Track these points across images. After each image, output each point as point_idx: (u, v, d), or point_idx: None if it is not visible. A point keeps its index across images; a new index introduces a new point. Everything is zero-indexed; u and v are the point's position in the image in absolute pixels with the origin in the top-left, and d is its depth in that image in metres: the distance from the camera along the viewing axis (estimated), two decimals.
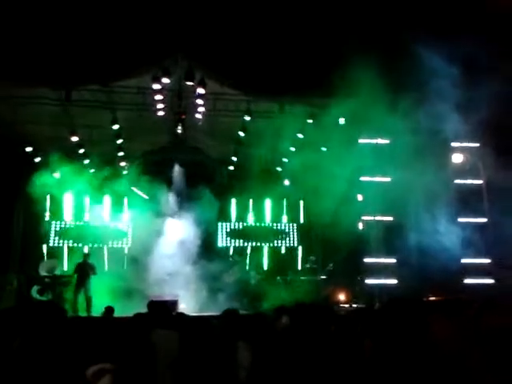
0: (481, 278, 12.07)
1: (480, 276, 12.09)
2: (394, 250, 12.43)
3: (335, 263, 14.24)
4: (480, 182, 12.78)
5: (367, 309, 4.47)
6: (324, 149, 12.83)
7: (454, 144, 12.77)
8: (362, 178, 12.51)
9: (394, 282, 12.41)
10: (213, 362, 2.99)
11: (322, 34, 9.90)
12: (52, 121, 11.75)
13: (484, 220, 12.64)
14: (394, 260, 12.68)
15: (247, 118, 12.28)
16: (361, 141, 12.23)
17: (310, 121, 12.06)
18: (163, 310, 5.41)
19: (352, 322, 4.07)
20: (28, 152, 13.04)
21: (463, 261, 12.09)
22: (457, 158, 12.94)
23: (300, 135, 12.77)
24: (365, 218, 12.88)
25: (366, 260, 12.77)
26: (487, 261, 12.36)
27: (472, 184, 12.79)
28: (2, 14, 9.28)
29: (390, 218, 12.59)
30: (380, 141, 12.12)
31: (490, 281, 12.12)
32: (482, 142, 12.49)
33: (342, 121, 11.72)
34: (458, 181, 12.71)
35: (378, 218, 12.67)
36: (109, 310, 6.78)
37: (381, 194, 12.01)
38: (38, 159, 13.39)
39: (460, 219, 12.19)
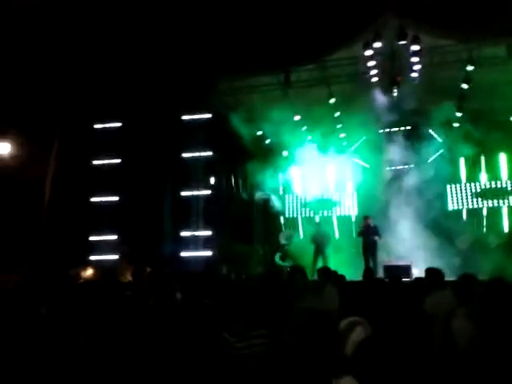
0: None
1: None
2: None
3: None
4: None
5: None
6: None
7: None
8: None
9: None
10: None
11: None
12: (276, 104, 12.82)
13: None
14: None
15: (470, 68, 11.17)
16: None
17: None
18: (397, 274, 5.57)
19: None
20: (258, 136, 14.54)
21: None
22: None
23: None
24: None
25: None
26: None
27: None
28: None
29: None
30: None
31: None
32: None
33: None
34: None
35: None
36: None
37: None
38: (267, 140, 14.85)
39: None
